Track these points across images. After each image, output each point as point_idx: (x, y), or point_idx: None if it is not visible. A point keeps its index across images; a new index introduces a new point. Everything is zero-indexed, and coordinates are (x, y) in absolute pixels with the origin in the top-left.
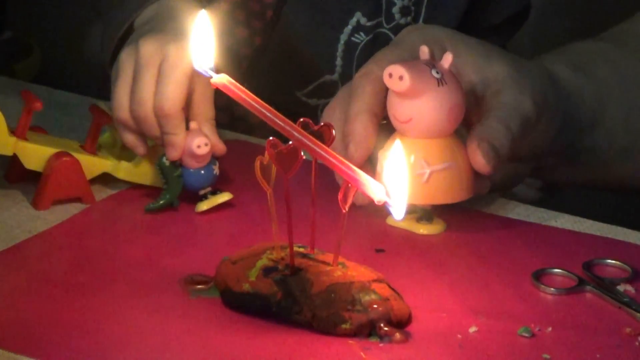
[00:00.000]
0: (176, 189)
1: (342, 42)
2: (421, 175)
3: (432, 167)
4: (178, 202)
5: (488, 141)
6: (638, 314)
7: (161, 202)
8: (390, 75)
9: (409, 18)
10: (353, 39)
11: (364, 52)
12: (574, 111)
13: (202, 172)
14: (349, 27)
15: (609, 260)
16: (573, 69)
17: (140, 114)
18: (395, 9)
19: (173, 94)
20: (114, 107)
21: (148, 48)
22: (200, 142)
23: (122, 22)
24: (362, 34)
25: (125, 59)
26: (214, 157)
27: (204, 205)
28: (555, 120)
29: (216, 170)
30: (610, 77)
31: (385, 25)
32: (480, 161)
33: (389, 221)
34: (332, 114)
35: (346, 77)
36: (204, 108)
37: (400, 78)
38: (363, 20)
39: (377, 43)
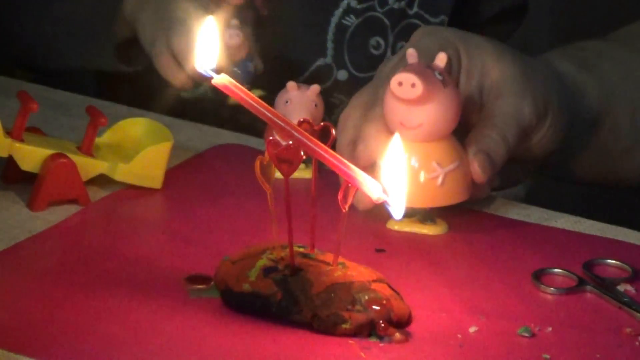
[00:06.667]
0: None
1: (332, 25)
2: (436, 178)
3: (444, 168)
4: None
5: (485, 151)
6: (638, 314)
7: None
8: (400, 83)
9: (402, 3)
10: (343, 21)
11: (354, 35)
12: (578, 109)
13: (236, 69)
14: (340, 9)
15: (609, 260)
16: (578, 66)
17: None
18: None
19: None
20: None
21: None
22: (232, 32)
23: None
24: (352, 16)
25: None
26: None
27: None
28: (561, 120)
29: (251, 67)
30: (615, 74)
31: (378, 9)
32: (477, 170)
33: (389, 225)
34: (346, 120)
35: (339, 60)
36: None
37: (413, 85)
38: (354, 3)
39: (368, 26)
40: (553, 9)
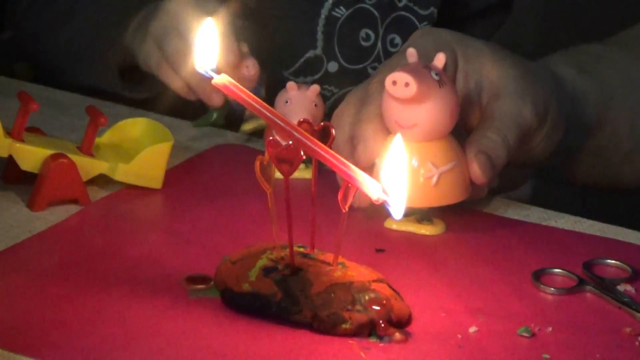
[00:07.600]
0: (222, 108)
1: (322, 16)
2: (430, 178)
3: (440, 168)
4: (223, 121)
5: (485, 152)
6: (638, 314)
7: (207, 118)
8: (395, 82)
9: None
10: (333, 13)
11: (344, 26)
12: (578, 113)
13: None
14: (329, 1)
15: (609, 260)
16: (578, 70)
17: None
18: None
19: None
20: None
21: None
22: (249, 63)
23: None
24: (342, 8)
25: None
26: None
27: (248, 125)
28: (559, 125)
29: (263, 92)
30: (615, 78)
31: (367, 0)
32: (477, 172)
33: (387, 224)
34: (341, 116)
35: (329, 51)
36: None
37: (406, 85)
38: None
39: (357, 18)
40: (538, 11)
